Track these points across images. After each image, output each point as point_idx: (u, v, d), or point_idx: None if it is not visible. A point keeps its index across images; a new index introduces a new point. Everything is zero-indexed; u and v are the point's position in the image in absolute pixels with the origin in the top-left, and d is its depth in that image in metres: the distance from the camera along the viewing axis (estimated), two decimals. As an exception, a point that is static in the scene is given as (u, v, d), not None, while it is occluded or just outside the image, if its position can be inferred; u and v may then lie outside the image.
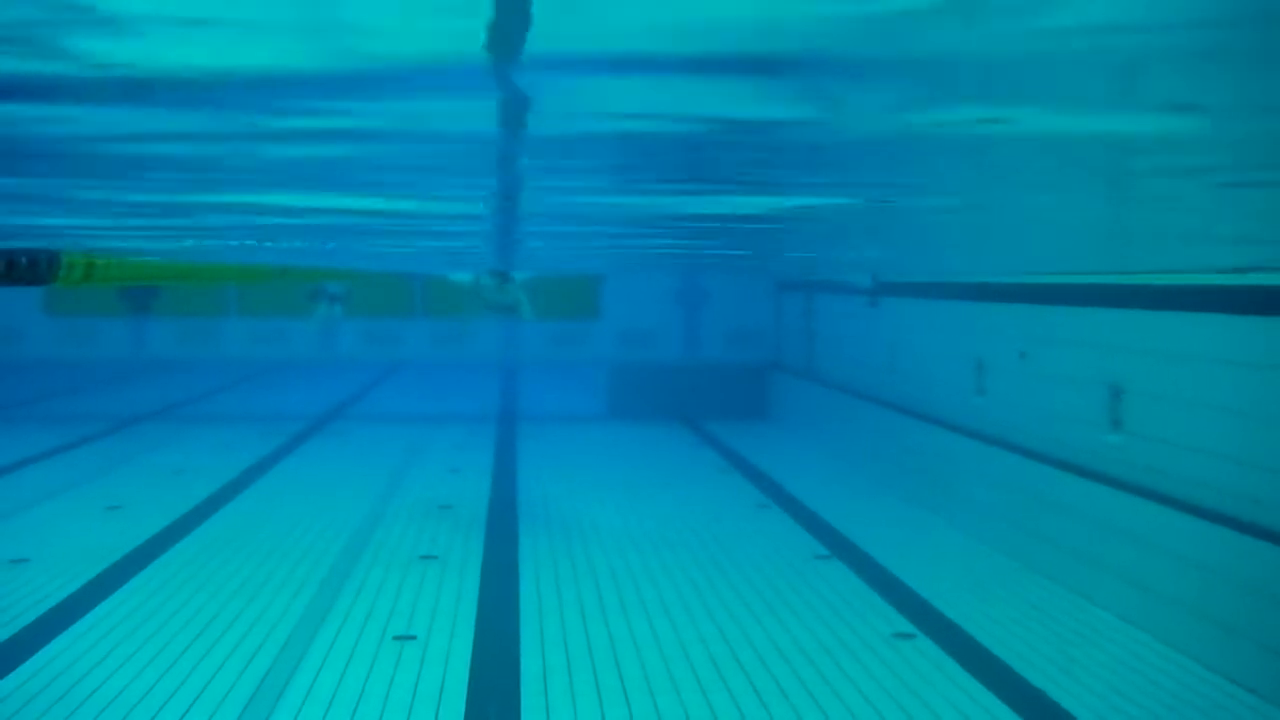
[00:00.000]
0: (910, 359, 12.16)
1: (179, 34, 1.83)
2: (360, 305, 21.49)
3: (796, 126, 2.83)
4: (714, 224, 6.47)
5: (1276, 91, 2.16)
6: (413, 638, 6.99)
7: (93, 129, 2.87)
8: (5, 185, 4.38)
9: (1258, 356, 6.64)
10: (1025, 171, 3.39)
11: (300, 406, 17.92)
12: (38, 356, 20.80)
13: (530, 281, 12.80)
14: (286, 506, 10.76)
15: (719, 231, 7.15)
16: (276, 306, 21.43)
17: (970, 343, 10.53)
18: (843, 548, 9.40)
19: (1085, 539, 7.99)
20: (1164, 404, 7.50)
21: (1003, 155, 3.06)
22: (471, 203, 5.15)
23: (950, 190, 4.19)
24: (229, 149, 3.35)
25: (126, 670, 6.35)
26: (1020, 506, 8.97)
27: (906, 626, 7.32)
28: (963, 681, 6.35)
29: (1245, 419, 6.69)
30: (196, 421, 16.76)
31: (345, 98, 2.45)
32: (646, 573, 8.57)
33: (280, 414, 17.20)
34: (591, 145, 3.20)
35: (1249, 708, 6.02)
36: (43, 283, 2.93)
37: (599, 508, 10.97)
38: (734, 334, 19.91)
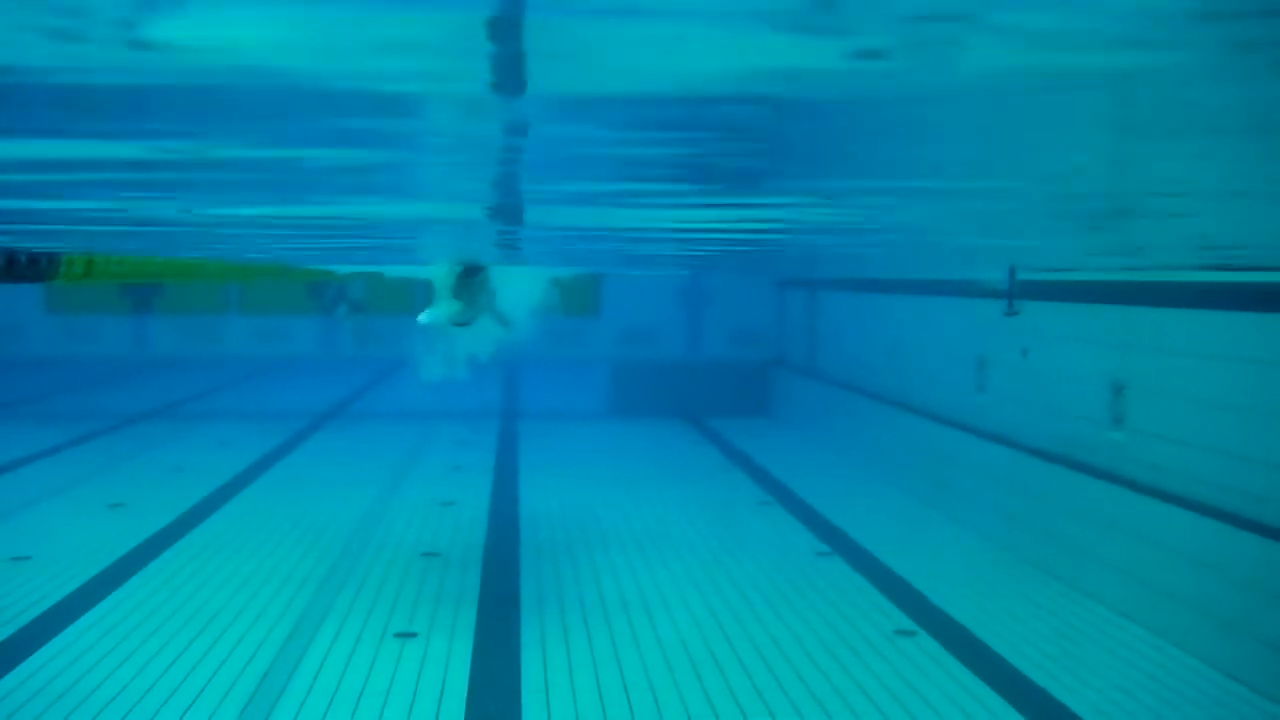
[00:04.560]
0: (912, 356, 12.16)
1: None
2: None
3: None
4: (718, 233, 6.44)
5: None
6: (414, 635, 7.00)
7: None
8: None
9: (1258, 353, 6.64)
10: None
11: (301, 404, 17.93)
12: (39, 354, 20.80)
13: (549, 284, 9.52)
14: (288, 504, 10.77)
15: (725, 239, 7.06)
16: (278, 304, 21.42)
17: (971, 340, 10.53)
18: (844, 545, 9.41)
19: (1086, 535, 7.99)
20: (1165, 400, 7.49)
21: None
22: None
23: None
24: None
25: (128, 667, 6.36)
26: (1021, 503, 8.97)
27: (908, 623, 7.32)
28: (963, 678, 6.35)
29: (1246, 415, 6.69)
30: (198, 419, 16.76)
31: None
32: (648, 570, 8.57)
33: (281, 411, 17.21)
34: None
35: (1248, 703, 6.03)
36: (43, 280, 2.93)
37: (601, 505, 10.98)
38: (736, 331, 19.91)
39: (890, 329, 12.85)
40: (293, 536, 9.49)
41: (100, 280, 3.16)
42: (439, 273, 8.43)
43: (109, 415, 16.50)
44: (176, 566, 8.51)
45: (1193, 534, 6.83)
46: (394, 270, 11.61)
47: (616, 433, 16.01)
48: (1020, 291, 9.47)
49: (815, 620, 7.38)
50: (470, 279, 8.23)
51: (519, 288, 9.02)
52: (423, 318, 8.39)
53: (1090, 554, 7.92)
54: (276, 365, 21.74)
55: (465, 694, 6.07)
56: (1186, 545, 6.88)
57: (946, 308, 11.21)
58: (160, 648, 6.69)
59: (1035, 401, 9.24)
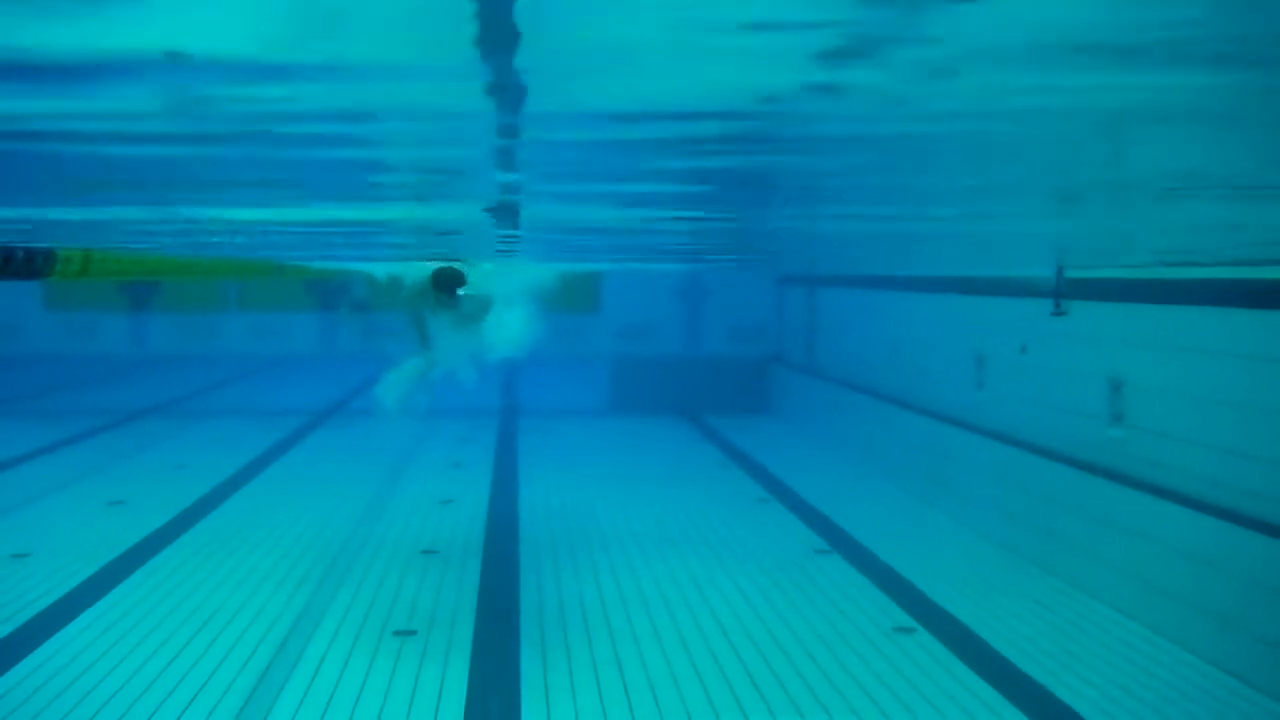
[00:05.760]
0: (911, 353, 12.15)
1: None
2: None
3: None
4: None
5: None
6: (413, 632, 7.00)
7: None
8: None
9: (1257, 349, 6.63)
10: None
11: (300, 401, 17.92)
12: (38, 351, 20.78)
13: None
14: (287, 501, 10.77)
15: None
16: (276, 301, 21.39)
17: (970, 337, 10.53)
18: (843, 542, 9.40)
19: (1084, 533, 7.99)
20: (1164, 398, 7.49)
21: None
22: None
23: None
24: None
25: (128, 664, 6.36)
26: (1020, 501, 8.97)
27: (906, 621, 7.32)
28: (962, 676, 6.35)
29: (1244, 412, 6.68)
30: (197, 416, 16.76)
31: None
32: (647, 567, 8.57)
33: (281, 409, 17.20)
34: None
35: (1247, 700, 6.03)
36: (39, 277, 2.93)
37: (600, 502, 10.97)
38: (735, 328, 19.88)
39: (889, 326, 12.84)
40: (292, 534, 9.48)
41: (97, 278, 3.16)
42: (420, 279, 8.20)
43: (108, 412, 16.50)
44: (176, 564, 8.51)
45: (1192, 531, 6.83)
46: (382, 269, 11.34)
47: (616, 429, 16.00)
48: (1018, 288, 9.46)
49: (814, 617, 7.38)
50: (451, 287, 7.95)
51: (516, 284, 8.87)
52: (383, 393, 8.43)
53: (1089, 551, 7.92)
54: (275, 362, 21.73)
55: (464, 691, 6.07)
56: (1185, 542, 6.88)
57: (945, 305, 11.20)
58: (159, 645, 6.69)
59: (1034, 398, 9.24)
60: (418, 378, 8.43)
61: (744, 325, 19.70)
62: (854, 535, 9.60)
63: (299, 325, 21.77)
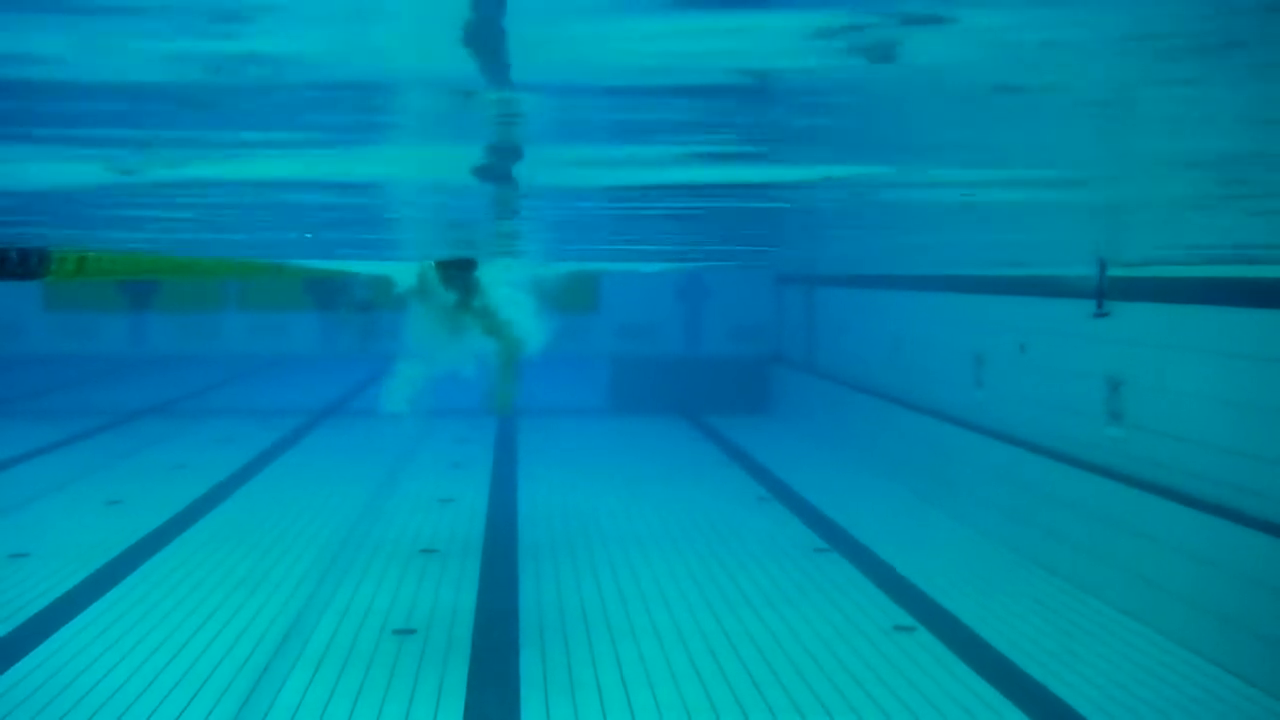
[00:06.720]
0: (910, 352, 12.14)
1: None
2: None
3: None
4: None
5: None
6: (412, 632, 6.99)
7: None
8: None
9: (1257, 349, 6.62)
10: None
11: (300, 401, 17.91)
12: (37, 351, 20.77)
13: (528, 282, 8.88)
14: (286, 500, 10.76)
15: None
16: (276, 300, 21.38)
17: (969, 336, 10.51)
18: (843, 541, 9.40)
19: (1085, 532, 7.98)
20: (1163, 397, 7.48)
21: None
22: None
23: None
24: None
25: (127, 664, 6.35)
26: (1020, 499, 8.96)
27: (906, 619, 7.31)
28: (962, 675, 6.34)
29: (1244, 411, 6.67)
30: (196, 416, 16.74)
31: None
32: (647, 566, 8.56)
33: (280, 408, 17.19)
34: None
35: (1249, 699, 6.02)
36: (34, 277, 2.91)
37: (599, 501, 10.96)
38: (735, 327, 19.88)
39: (889, 325, 12.83)
40: (291, 533, 9.48)
41: (92, 277, 3.16)
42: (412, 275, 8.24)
43: (107, 412, 16.48)
44: (175, 563, 8.50)
45: (1193, 530, 6.82)
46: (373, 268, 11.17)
47: (615, 429, 16.00)
48: (1017, 287, 9.44)
49: (814, 616, 7.37)
50: (457, 272, 7.93)
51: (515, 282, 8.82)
52: (389, 394, 8.55)
53: (1090, 550, 7.91)
54: (275, 362, 21.71)
55: (464, 690, 6.06)
56: (1187, 542, 6.87)
57: (944, 304, 11.19)
58: (158, 645, 6.68)
59: (1033, 397, 9.23)
60: (422, 377, 8.45)
61: (744, 325, 19.69)
62: (854, 534, 9.59)
63: (299, 325, 21.75)
